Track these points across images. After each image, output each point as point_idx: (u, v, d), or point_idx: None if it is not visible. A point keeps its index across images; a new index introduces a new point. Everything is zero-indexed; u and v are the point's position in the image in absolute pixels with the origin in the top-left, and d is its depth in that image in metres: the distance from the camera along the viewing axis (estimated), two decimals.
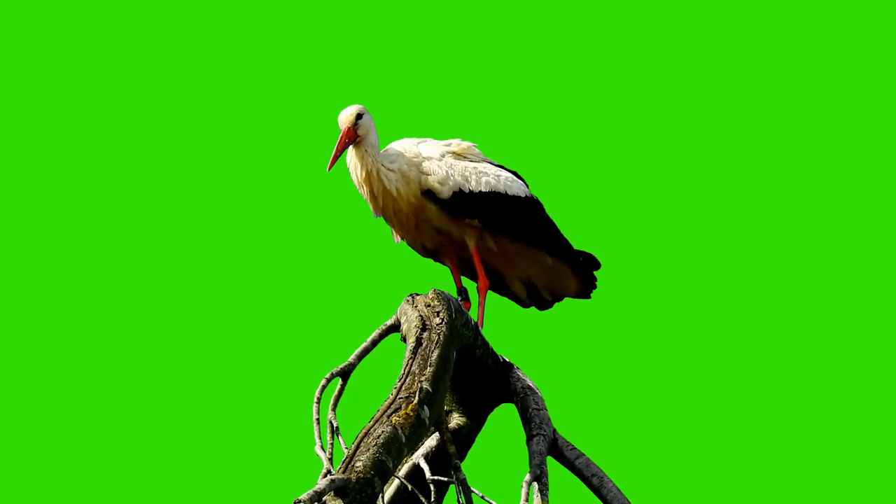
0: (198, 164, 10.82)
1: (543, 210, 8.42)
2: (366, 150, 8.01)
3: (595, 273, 8.53)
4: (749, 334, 10.50)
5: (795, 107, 11.11)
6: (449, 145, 8.27)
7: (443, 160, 8.16)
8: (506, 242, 8.32)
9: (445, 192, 8.12)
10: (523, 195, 8.32)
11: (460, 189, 8.12)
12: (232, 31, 11.23)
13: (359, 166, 8.02)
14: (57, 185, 10.89)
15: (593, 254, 8.49)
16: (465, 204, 8.13)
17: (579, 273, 8.52)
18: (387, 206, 8.09)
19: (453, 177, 8.12)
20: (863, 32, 11.21)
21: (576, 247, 8.46)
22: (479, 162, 8.27)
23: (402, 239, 8.29)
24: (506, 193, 8.25)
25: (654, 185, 10.81)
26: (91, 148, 10.96)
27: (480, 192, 8.17)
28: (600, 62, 11.23)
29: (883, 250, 10.65)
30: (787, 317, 10.62)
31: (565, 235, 8.45)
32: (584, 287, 8.57)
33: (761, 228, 10.85)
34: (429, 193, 8.11)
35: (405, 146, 8.17)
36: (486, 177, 8.21)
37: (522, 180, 8.41)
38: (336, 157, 7.97)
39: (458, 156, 8.24)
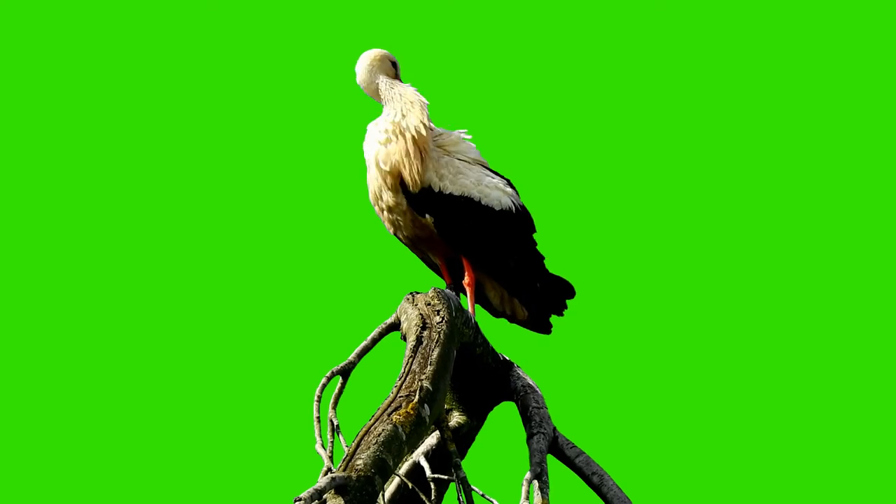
0: (198, 162, 10.84)
1: (526, 228, 8.10)
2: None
3: (574, 291, 8.17)
4: (751, 321, 10.56)
5: (773, 136, 11.15)
6: (440, 135, 8.01)
7: (432, 152, 7.95)
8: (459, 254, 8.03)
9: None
10: (498, 207, 7.98)
11: (430, 186, 7.86)
12: (223, 29, 11.27)
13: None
14: (55, 180, 10.92)
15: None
16: (429, 201, 7.85)
17: (534, 316, 8.25)
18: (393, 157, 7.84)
19: (428, 171, 7.85)
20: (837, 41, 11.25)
21: (555, 259, 8.19)
22: (471, 163, 8.02)
23: (391, 221, 8.06)
24: (479, 202, 7.93)
25: (641, 205, 10.83)
26: (89, 136, 10.99)
27: (450, 194, 7.87)
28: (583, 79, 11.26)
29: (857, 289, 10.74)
30: (779, 303, 10.70)
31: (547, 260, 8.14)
32: (533, 323, 8.31)
33: (745, 242, 10.92)
34: (402, 182, 7.85)
35: None
36: (463, 178, 7.93)
37: (513, 189, 8.08)
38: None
39: (448, 152, 7.99)
